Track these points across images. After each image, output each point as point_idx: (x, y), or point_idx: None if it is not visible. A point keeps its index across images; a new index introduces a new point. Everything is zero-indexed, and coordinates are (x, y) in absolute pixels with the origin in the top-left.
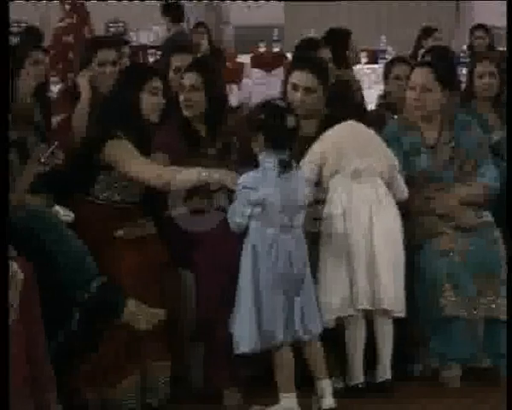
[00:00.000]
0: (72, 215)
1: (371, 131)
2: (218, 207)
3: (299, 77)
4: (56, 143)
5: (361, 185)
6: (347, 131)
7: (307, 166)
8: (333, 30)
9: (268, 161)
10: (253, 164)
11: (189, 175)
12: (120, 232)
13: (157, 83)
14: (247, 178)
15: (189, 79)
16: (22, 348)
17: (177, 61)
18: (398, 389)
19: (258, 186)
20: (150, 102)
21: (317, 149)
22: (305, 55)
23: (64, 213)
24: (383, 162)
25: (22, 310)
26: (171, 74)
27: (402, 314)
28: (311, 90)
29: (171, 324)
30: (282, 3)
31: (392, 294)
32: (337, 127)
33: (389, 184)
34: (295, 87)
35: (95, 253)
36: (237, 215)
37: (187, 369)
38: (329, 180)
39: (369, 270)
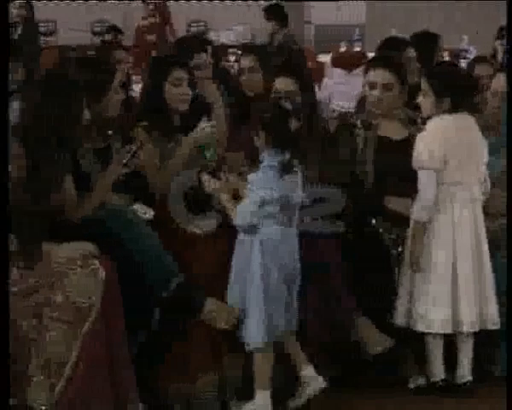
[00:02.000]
0: (152, 213)
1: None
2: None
3: (376, 74)
4: (138, 144)
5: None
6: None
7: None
8: (422, 33)
9: (270, 160)
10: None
11: None
12: (196, 229)
13: (180, 74)
14: (256, 177)
15: (285, 84)
16: (103, 348)
17: (244, 61)
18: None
19: (265, 185)
20: (174, 93)
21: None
22: (383, 53)
23: (143, 212)
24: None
25: (104, 309)
26: (241, 75)
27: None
28: (388, 88)
29: None
30: (364, 2)
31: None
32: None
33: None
34: (372, 85)
35: (174, 251)
36: (248, 214)
37: None
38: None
39: (476, 290)
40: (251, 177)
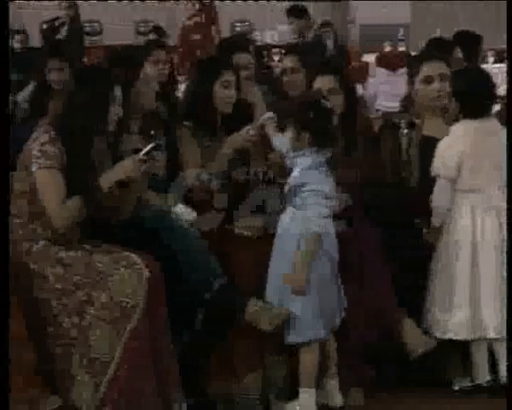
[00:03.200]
0: (194, 214)
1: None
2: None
3: (432, 67)
4: (156, 142)
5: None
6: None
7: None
8: (464, 32)
9: (313, 159)
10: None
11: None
12: (243, 230)
13: (229, 76)
14: (312, 177)
15: (326, 82)
16: (147, 347)
17: (287, 62)
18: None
19: (321, 181)
20: (221, 95)
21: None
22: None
23: (186, 213)
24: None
25: (148, 309)
26: (283, 76)
27: None
28: (445, 79)
29: None
30: (409, 2)
31: None
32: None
33: None
34: (429, 79)
35: (218, 251)
36: (321, 222)
37: None
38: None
39: (496, 294)
40: (299, 178)
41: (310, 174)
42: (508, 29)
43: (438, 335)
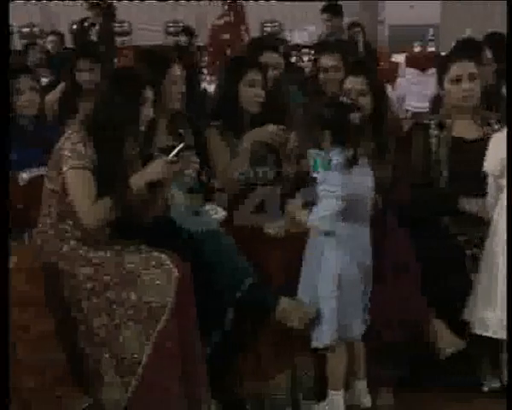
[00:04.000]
0: (224, 213)
1: None
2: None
3: (461, 66)
4: (183, 143)
5: None
6: None
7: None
8: (494, 33)
9: (337, 157)
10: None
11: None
12: (269, 230)
13: (255, 75)
14: (327, 176)
15: (355, 83)
16: (176, 347)
17: (326, 60)
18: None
19: (340, 182)
20: (247, 94)
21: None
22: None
23: (215, 212)
24: None
25: (177, 309)
26: (321, 74)
27: None
28: (474, 78)
29: None
30: (439, 2)
31: None
32: None
33: None
34: (458, 79)
35: (248, 251)
36: (325, 213)
37: None
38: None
39: None
40: (320, 176)
41: (328, 175)
42: (508, 29)
43: (479, 332)
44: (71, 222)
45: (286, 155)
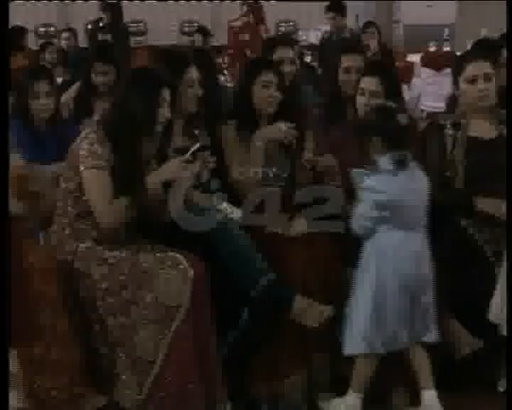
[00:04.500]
0: (240, 213)
1: None
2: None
3: (477, 66)
4: (199, 143)
5: None
6: None
7: None
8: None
9: (387, 162)
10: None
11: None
12: (280, 231)
13: (269, 76)
14: (373, 180)
15: (370, 83)
16: (191, 347)
17: (348, 61)
18: None
19: (384, 188)
20: (261, 95)
21: None
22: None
23: (231, 211)
24: None
25: (193, 309)
26: (341, 75)
27: None
28: (489, 78)
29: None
30: (454, 2)
31: None
32: None
33: None
34: (474, 79)
35: (264, 250)
36: (364, 219)
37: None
38: None
39: None
40: (367, 183)
41: (370, 181)
42: (508, 29)
43: (503, 332)
44: (87, 222)
45: (301, 164)
